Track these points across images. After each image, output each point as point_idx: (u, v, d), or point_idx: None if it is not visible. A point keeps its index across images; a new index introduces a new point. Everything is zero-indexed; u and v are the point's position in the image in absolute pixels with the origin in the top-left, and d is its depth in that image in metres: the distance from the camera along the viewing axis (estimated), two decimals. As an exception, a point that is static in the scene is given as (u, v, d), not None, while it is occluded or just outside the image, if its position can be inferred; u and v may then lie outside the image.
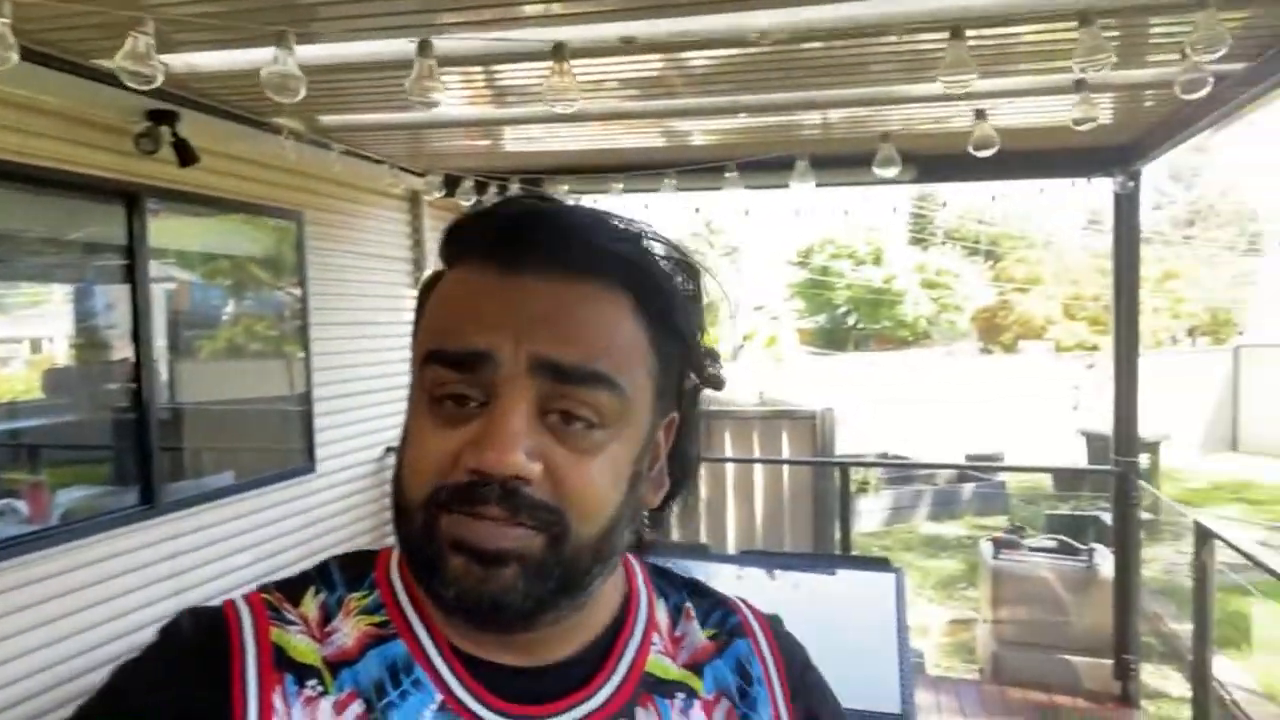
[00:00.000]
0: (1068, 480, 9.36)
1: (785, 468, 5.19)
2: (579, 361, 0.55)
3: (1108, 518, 5.19)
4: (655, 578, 0.70)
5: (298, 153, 3.82)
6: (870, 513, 9.45)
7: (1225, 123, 3.45)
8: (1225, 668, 4.87)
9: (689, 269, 0.63)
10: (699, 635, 0.67)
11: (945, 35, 2.58)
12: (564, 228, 0.57)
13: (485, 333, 0.55)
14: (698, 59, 3.06)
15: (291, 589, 0.63)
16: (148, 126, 3.44)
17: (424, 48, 1.99)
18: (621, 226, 0.60)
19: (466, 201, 4.50)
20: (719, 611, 0.69)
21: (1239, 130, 3.88)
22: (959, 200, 27.00)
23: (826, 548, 5.16)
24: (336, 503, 4.92)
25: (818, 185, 3.59)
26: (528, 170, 4.80)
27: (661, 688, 0.63)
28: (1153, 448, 9.22)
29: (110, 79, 2.97)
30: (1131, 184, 4.10)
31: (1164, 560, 7.20)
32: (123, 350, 3.66)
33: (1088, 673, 4.44)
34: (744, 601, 0.72)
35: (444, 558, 0.55)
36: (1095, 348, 18.24)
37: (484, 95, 3.59)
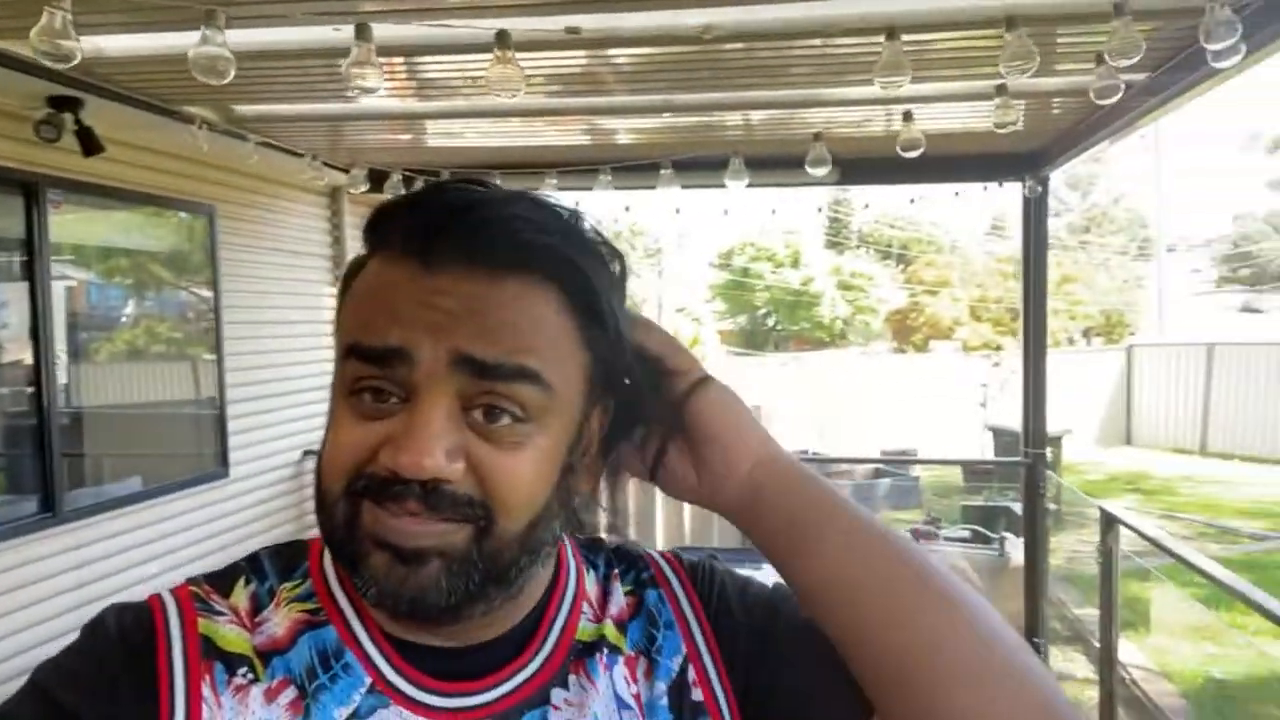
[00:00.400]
0: (977, 474, 9.76)
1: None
2: (501, 357, 0.54)
3: (1017, 508, 5.43)
4: (584, 549, 0.70)
5: (211, 144, 3.67)
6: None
7: (1126, 131, 3.66)
8: (1124, 649, 5.14)
9: (617, 258, 0.62)
10: (621, 596, 0.68)
11: (865, 40, 2.66)
12: (486, 221, 0.56)
13: (403, 329, 0.54)
14: (623, 56, 3.07)
15: (220, 581, 0.62)
16: (49, 113, 3.26)
17: (362, 31, 1.93)
18: (547, 217, 0.58)
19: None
20: (635, 569, 0.70)
21: (1131, 141, 4.12)
22: (872, 205, 27.82)
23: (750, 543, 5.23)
24: (252, 508, 4.74)
25: (745, 186, 3.65)
26: (454, 166, 4.72)
27: (590, 649, 0.64)
28: (1055, 442, 9.68)
29: (7, 60, 2.80)
30: (1040, 189, 4.30)
31: (1066, 549, 7.58)
32: (20, 351, 3.46)
33: (1001, 657, 4.62)
34: (660, 552, 0.73)
35: (365, 554, 0.54)
36: (999, 348, 19.01)
37: (406, 88, 3.52)
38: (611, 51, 2.98)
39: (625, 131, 4.15)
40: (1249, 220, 33.19)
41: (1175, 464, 12.99)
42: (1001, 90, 2.63)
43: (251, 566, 0.63)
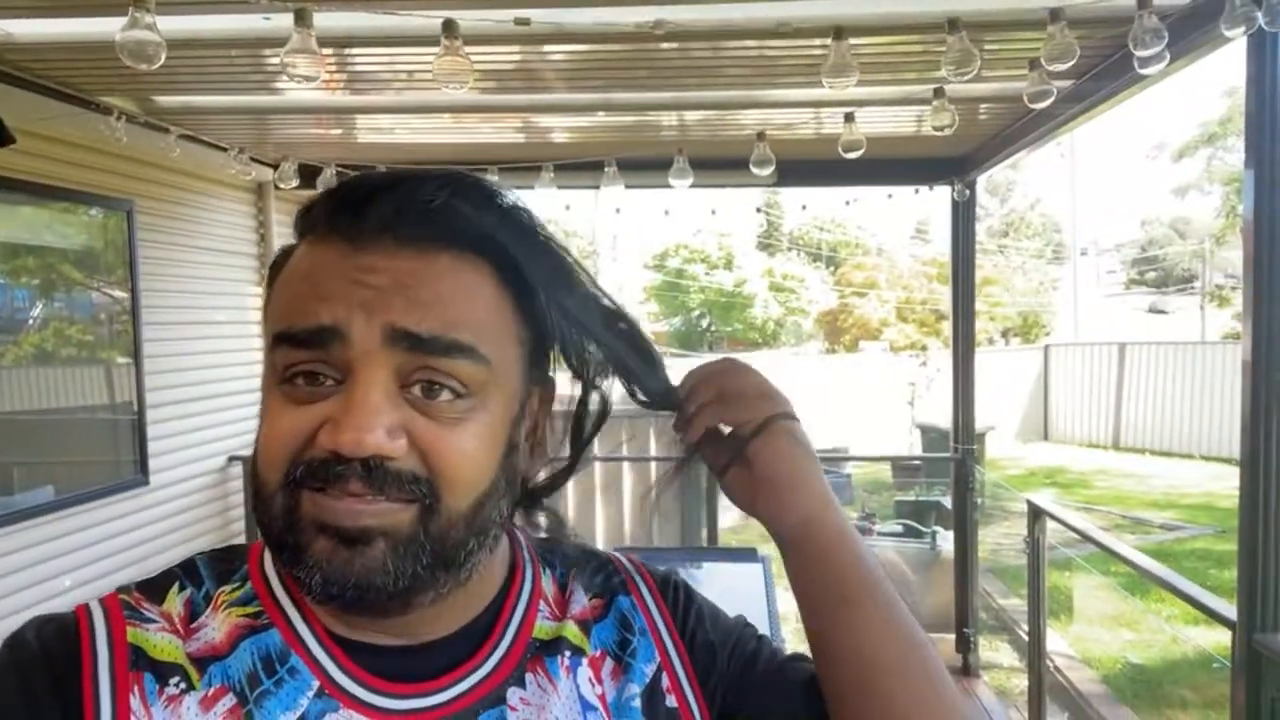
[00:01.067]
0: (906, 470, 10.01)
1: (653, 465, 5.27)
2: (437, 330, 0.53)
3: (947, 502, 5.58)
4: (540, 549, 0.69)
5: (130, 136, 3.50)
6: (729, 509, 9.75)
7: (1050, 137, 3.79)
8: (1048, 637, 5.33)
9: (553, 240, 0.61)
10: (584, 598, 0.66)
11: (803, 42, 2.70)
12: (414, 198, 0.54)
13: (334, 307, 0.52)
14: (561, 53, 3.04)
15: (153, 588, 0.60)
16: (-50, 100, 3.06)
17: (302, 17, 1.86)
18: (480, 194, 0.57)
19: (326, 192, 4.27)
20: (602, 573, 0.69)
21: (1048, 149, 4.28)
22: (799, 209, 28.32)
23: (693, 542, 5.26)
24: (174, 516, 4.55)
25: (688, 185, 3.66)
26: (389, 162, 4.62)
27: (549, 649, 0.62)
28: (980, 438, 9.99)
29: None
30: (968, 192, 4.42)
31: (990, 541, 7.83)
32: (-83, 353, 3.24)
33: (933, 648, 4.75)
34: (627, 557, 0.73)
35: (307, 542, 0.52)
36: (924, 348, 19.53)
37: (336, 81, 3.42)
38: (550, 48, 2.95)
39: (562, 130, 4.12)
40: (1155, 225, 34.91)
41: (1090, 458, 13.55)
42: (939, 93, 2.70)
43: (186, 572, 0.61)
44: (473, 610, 0.61)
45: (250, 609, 0.59)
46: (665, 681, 0.65)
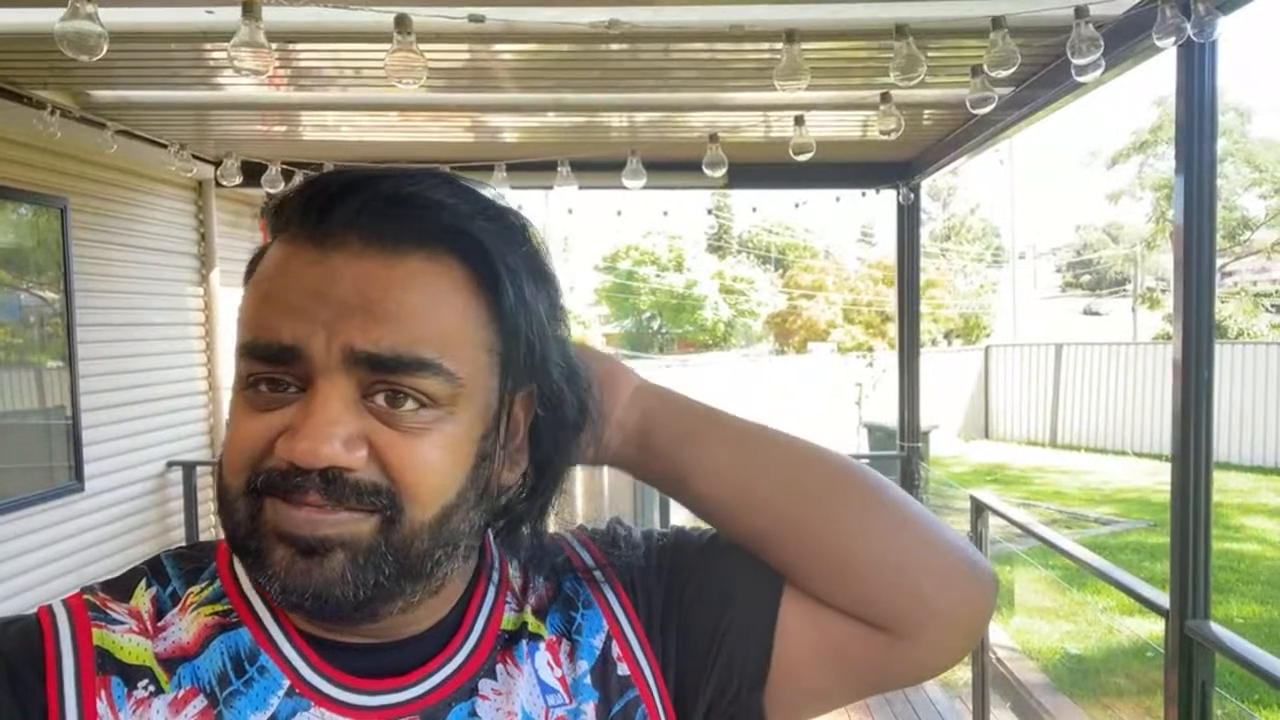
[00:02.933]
0: (854, 470, 10.20)
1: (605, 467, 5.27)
2: (397, 350, 0.51)
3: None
4: (505, 543, 0.68)
5: (64, 132, 3.39)
6: (680, 508, 9.77)
7: (992, 142, 3.90)
8: (993, 628, 5.47)
9: (529, 236, 0.59)
10: (540, 585, 0.66)
11: (753, 46, 2.73)
12: (382, 195, 0.53)
13: (295, 325, 0.51)
14: (510, 52, 3.03)
15: (118, 587, 0.58)
16: None
17: (249, 9, 1.82)
18: (452, 191, 0.55)
19: (274, 190, 4.19)
20: (553, 557, 0.69)
21: (988, 155, 4.41)
22: (752, 212, 28.63)
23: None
24: (111, 524, 4.41)
25: (641, 185, 3.67)
26: (335, 159, 4.54)
27: (514, 638, 0.62)
28: (925, 436, 10.21)
29: None
30: (912, 196, 4.52)
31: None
32: None
33: (881, 643, 4.83)
34: (574, 533, 0.72)
35: (267, 550, 0.52)
36: (871, 349, 19.86)
37: (279, 77, 3.35)
38: (500, 47, 2.93)
39: (512, 130, 4.10)
40: (1090, 230, 36.09)
41: (1029, 456, 13.93)
42: (885, 98, 2.75)
43: (152, 570, 0.59)
44: (444, 608, 0.61)
45: (220, 607, 0.57)
46: (615, 650, 0.64)
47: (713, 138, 3.15)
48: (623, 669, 0.64)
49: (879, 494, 0.63)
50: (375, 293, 0.52)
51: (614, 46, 2.81)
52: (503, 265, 0.55)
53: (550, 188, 3.74)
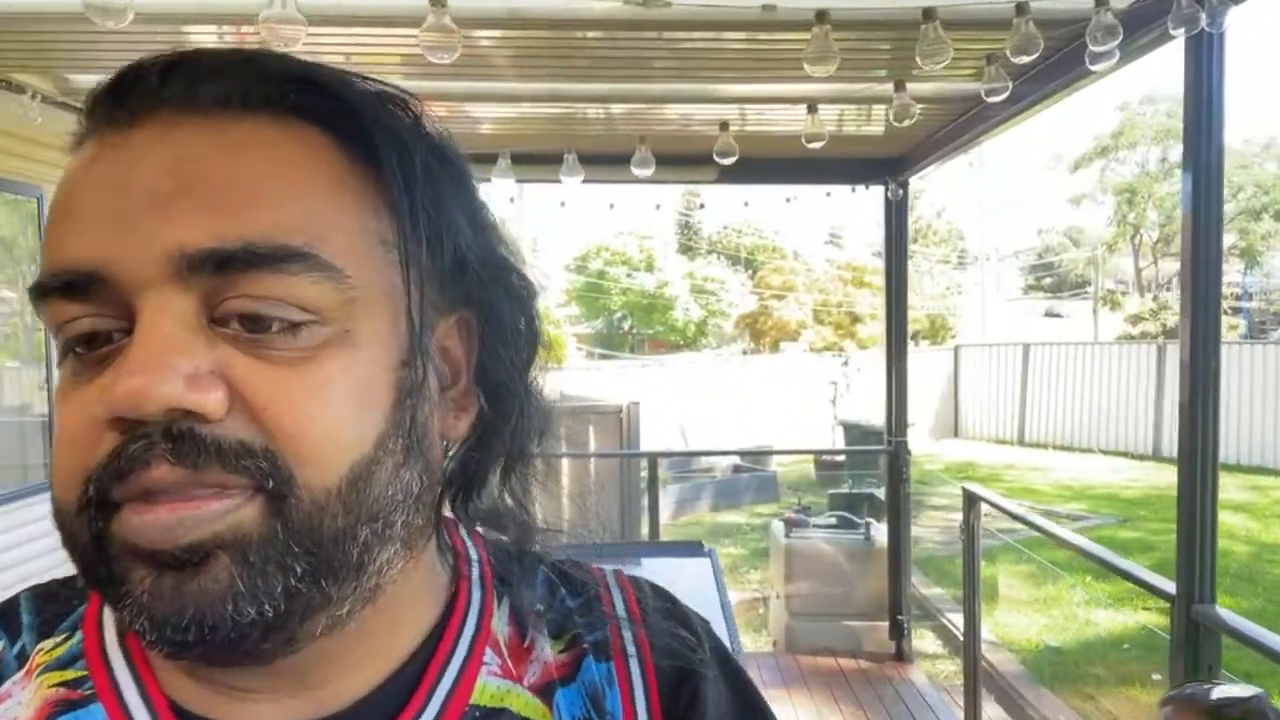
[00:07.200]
0: (829, 466, 10.28)
1: (591, 461, 5.25)
2: (247, 239, 0.36)
3: (879, 494, 5.74)
4: (500, 564, 0.50)
5: (44, 118, 3.28)
6: (659, 506, 9.80)
7: (979, 140, 3.94)
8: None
9: (424, 118, 0.44)
10: (548, 648, 0.48)
11: (740, 35, 2.71)
12: (206, 60, 0.39)
13: (93, 236, 0.37)
14: (486, 39, 2.97)
15: None
16: None
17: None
18: (303, 61, 0.41)
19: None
20: (585, 615, 0.50)
21: (957, 158, 4.47)
22: (721, 213, 28.76)
23: (633, 538, 5.26)
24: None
25: (640, 180, 3.65)
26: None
27: None
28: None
29: None
30: (901, 192, 4.56)
31: (913, 534, 8.09)
32: None
33: (867, 635, 4.87)
34: (621, 584, 0.53)
35: (122, 574, 0.36)
36: (841, 350, 20.04)
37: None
38: (482, 33, 2.88)
39: (491, 121, 4.04)
40: (1051, 234, 36.75)
41: (998, 454, 14.15)
42: (900, 86, 2.76)
43: (3, 616, 0.45)
44: (387, 659, 0.44)
45: (70, 674, 0.43)
46: None
47: (723, 126, 3.14)
48: None
49: None
50: (200, 167, 0.37)
51: (591, 34, 2.76)
52: (383, 130, 0.40)
53: (558, 180, 3.68)
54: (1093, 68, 2.13)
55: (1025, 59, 2.11)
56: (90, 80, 3.49)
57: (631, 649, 0.49)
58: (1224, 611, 2.16)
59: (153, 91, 0.38)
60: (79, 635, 0.44)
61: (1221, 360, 2.10)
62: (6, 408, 4.02)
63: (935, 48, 2.02)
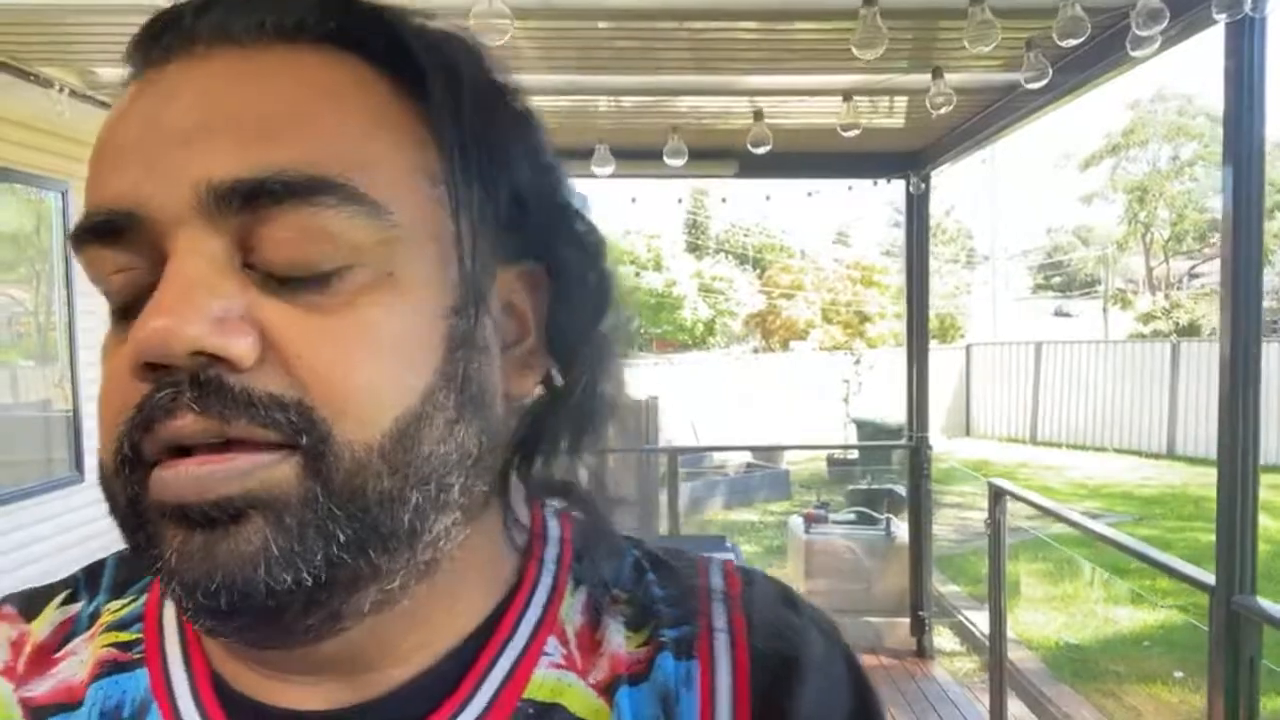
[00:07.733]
0: (842, 463, 10.26)
1: (609, 456, 5.25)
2: (278, 168, 0.34)
3: (899, 490, 5.72)
4: (583, 546, 0.46)
5: (72, 111, 3.29)
6: (688, 483, 9.82)
7: (1001, 134, 3.92)
8: (985, 619, 5.52)
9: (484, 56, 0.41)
10: (621, 640, 0.43)
11: (763, 27, 2.70)
12: None
13: (123, 174, 0.35)
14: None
15: (34, 598, 0.45)
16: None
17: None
18: None
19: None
20: (673, 607, 0.44)
21: (970, 157, 4.46)
22: (738, 208, 28.77)
23: (651, 533, 5.26)
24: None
25: (670, 172, 3.65)
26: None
27: (545, 718, 0.40)
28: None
29: None
30: (923, 185, 4.54)
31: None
32: None
33: (888, 632, 4.86)
34: (728, 575, 0.46)
35: (155, 536, 0.35)
36: (851, 349, 20.04)
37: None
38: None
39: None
40: (1060, 233, 36.62)
41: (1011, 452, 14.10)
42: (938, 74, 2.75)
43: (88, 576, 0.46)
44: (441, 642, 0.40)
45: (126, 635, 0.42)
46: None
47: (758, 115, 3.13)
48: None
49: None
50: (229, 98, 0.35)
51: (606, 25, 2.74)
52: (430, 57, 0.38)
53: (574, 176, 3.68)
54: (1134, 54, 2.12)
55: (1072, 42, 2.09)
56: (118, 74, 3.49)
57: (722, 624, 0.43)
58: (1265, 602, 2.14)
59: (187, 26, 0.37)
60: (144, 598, 0.44)
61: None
62: (49, 400, 4.05)
63: (983, 30, 2.00)
